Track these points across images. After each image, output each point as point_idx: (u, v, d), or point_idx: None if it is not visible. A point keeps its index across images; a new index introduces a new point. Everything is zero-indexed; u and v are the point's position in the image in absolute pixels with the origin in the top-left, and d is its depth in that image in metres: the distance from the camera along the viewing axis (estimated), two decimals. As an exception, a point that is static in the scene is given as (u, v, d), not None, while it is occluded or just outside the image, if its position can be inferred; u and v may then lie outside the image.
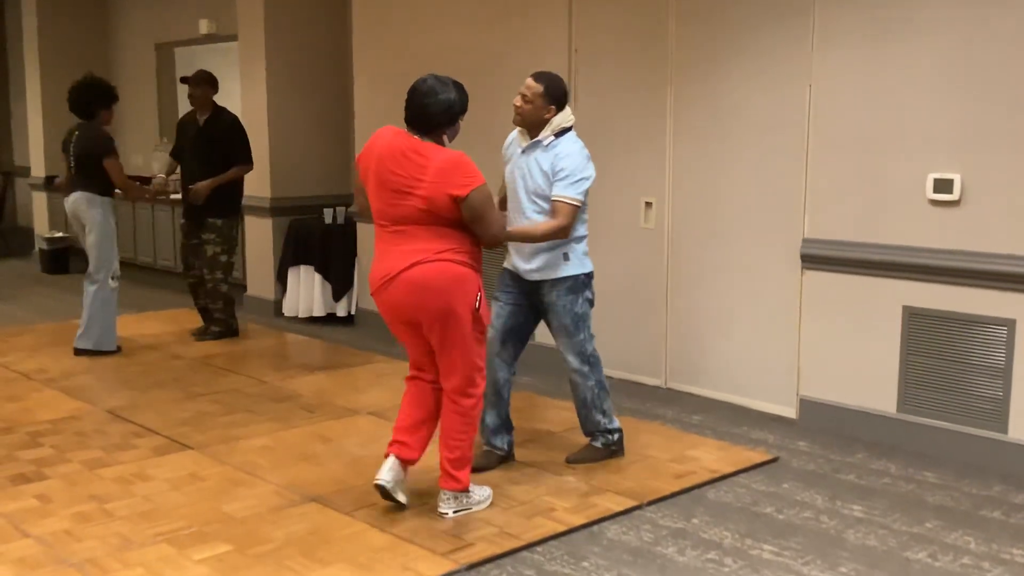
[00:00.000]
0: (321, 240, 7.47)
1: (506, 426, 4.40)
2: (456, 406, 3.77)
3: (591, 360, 4.33)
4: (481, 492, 3.93)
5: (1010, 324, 4.30)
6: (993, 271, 4.31)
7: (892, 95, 4.57)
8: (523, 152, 4.19)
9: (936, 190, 4.44)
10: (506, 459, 4.40)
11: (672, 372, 5.66)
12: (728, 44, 5.20)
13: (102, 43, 10.70)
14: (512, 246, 4.25)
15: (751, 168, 5.18)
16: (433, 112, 3.63)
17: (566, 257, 4.19)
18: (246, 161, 6.90)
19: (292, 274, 7.67)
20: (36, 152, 10.75)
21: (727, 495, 4.11)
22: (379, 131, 3.76)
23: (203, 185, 6.71)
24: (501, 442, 4.39)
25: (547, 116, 4.14)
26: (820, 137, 4.85)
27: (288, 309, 7.71)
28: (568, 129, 4.19)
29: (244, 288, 8.01)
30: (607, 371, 5.91)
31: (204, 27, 9.16)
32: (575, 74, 5.88)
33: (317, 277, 7.51)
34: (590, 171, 4.15)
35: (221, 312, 7.00)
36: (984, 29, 4.28)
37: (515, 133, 4.29)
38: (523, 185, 4.17)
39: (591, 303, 4.31)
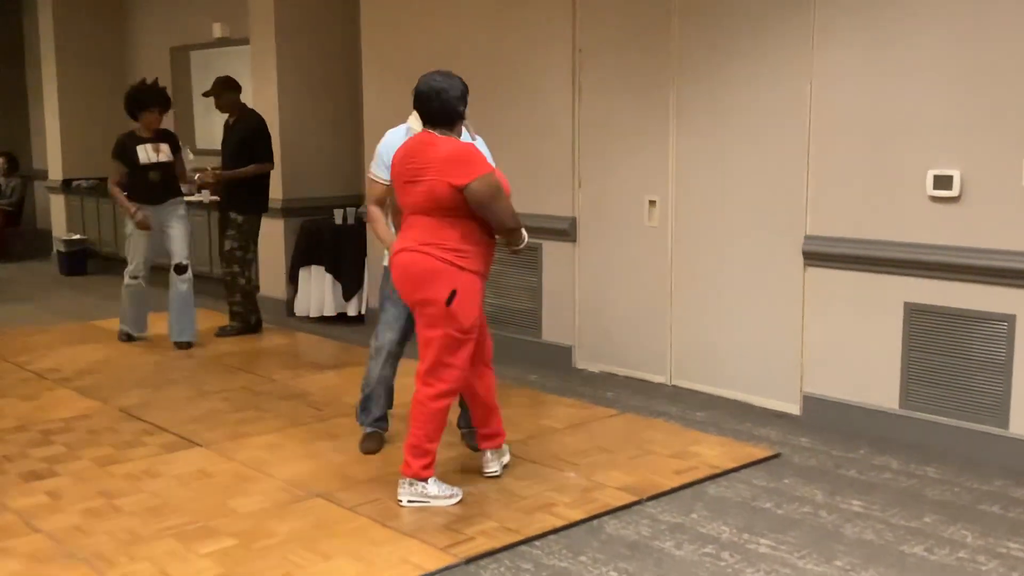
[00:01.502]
0: (332, 240, 7.54)
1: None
2: (417, 393, 3.91)
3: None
4: (445, 490, 3.94)
5: (1010, 319, 4.32)
6: (993, 267, 4.32)
7: (892, 92, 4.59)
8: None
9: (936, 186, 4.46)
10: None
11: (677, 369, 5.70)
12: (730, 41, 5.23)
13: (118, 47, 10.83)
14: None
15: (753, 166, 5.20)
16: (453, 105, 3.85)
17: None
18: (263, 159, 7.05)
19: (303, 274, 7.75)
20: (54, 155, 10.89)
21: (727, 490, 4.14)
22: (408, 140, 4.00)
23: (217, 173, 6.99)
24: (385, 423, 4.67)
25: None
26: (821, 134, 4.87)
27: (299, 309, 7.79)
28: None
29: (256, 288, 8.09)
30: (614, 368, 5.99)
31: (217, 31, 9.26)
32: (579, 73, 5.92)
33: (328, 277, 7.59)
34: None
35: (239, 306, 7.18)
36: (983, 26, 4.30)
37: (403, 135, 4.30)
38: None
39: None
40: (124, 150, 6.65)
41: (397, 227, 4.11)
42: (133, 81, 10.38)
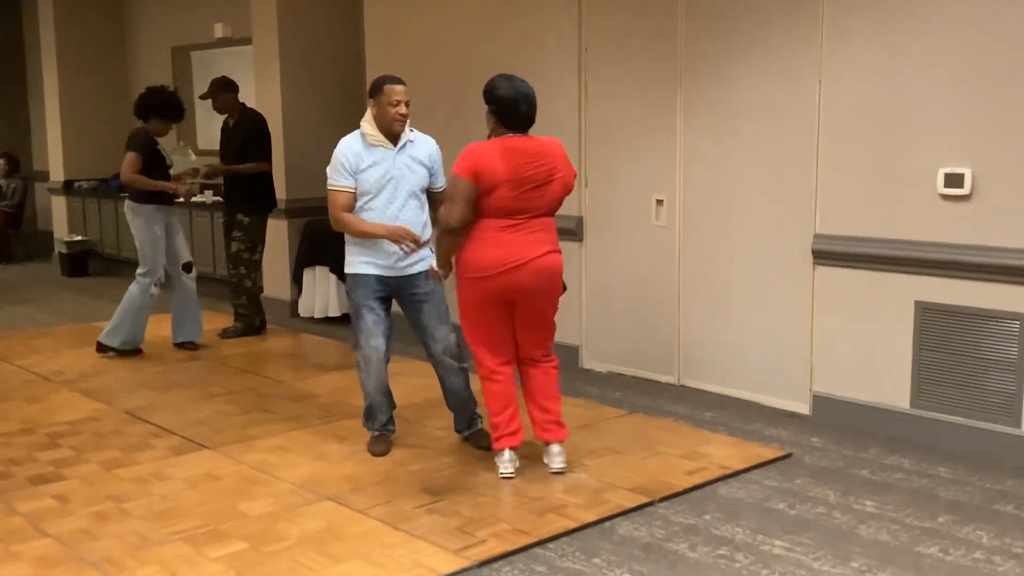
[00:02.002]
0: (336, 240, 7.46)
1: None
2: (552, 362, 4.30)
3: None
4: None
5: (1022, 318, 4.29)
6: (1005, 265, 4.30)
7: (902, 89, 4.57)
8: (397, 154, 4.38)
9: (947, 184, 4.44)
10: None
11: (685, 369, 5.67)
12: (738, 40, 5.21)
13: (119, 48, 10.80)
14: (375, 247, 4.37)
15: (762, 164, 5.18)
16: (536, 109, 4.17)
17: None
18: (260, 158, 6.99)
19: (308, 275, 7.72)
20: (55, 156, 10.86)
21: (739, 491, 4.12)
22: (481, 148, 4.06)
23: (215, 167, 6.98)
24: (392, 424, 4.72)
25: None
26: (830, 132, 4.85)
27: (304, 310, 7.77)
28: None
29: (260, 290, 8.06)
30: (621, 368, 5.97)
31: (219, 31, 9.24)
32: (585, 72, 5.90)
33: (332, 278, 7.56)
34: None
35: (244, 308, 7.17)
36: (993, 23, 4.27)
37: (360, 142, 4.40)
38: (401, 184, 4.36)
39: None
40: (150, 146, 6.55)
41: (433, 223, 4.33)
42: (136, 82, 10.41)
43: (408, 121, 4.42)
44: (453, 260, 4.19)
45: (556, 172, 4.09)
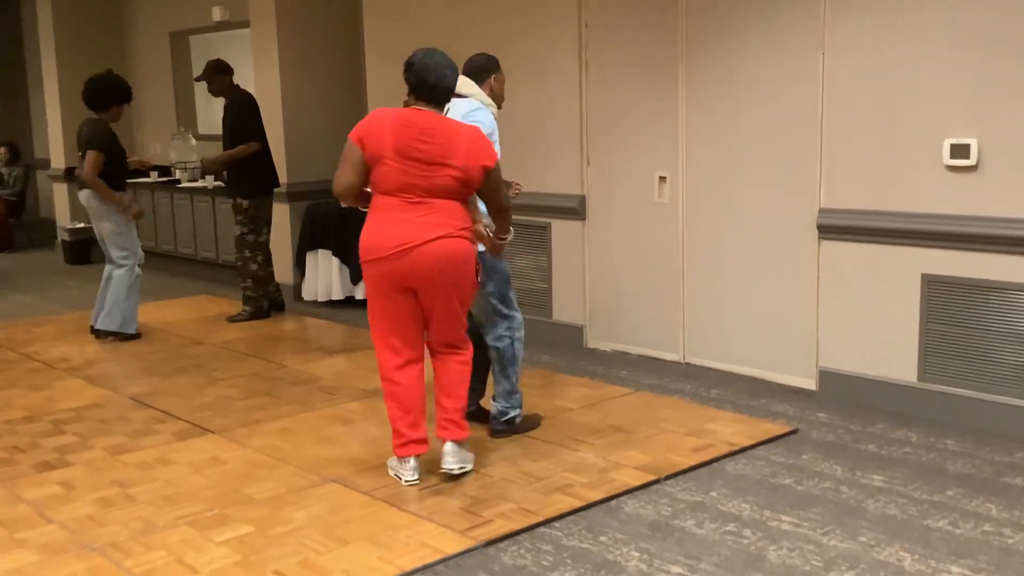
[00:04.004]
0: (338, 224, 7.48)
1: None
2: (461, 356, 4.00)
3: None
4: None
5: (1030, 289, 4.26)
6: (1012, 236, 4.26)
7: (906, 61, 4.52)
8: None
9: (953, 156, 4.39)
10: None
11: (690, 346, 5.65)
12: (739, 14, 5.15)
13: (117, 33, 10.75)
14: None
15: (765, 139, 5.13)
16: (450, 83, 3.83)
17: None
18: (248, 139, 6.93)
19: (310, 258, 7.70)
20: (55, 144, 10.83)
21: (746, 467, 4.10)
22: (379, 113, 3.83)
23: (212, 159, 6.97)
24: None
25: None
26: (834, 106, 4.80)
27: (307, 293, 7.76)
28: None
29: (268, 274, 8.05)
30: (626, 347, 5.95)
31: (217, 14, 9.18)
32: (586, 49, 5.85)
33: (335, 261, 7.53)
34: None
35: (252, 291, 7.17)
36: (999, -9, 4.22)
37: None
38: None
39: None
40: (113, 141, 6.53)
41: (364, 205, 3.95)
42: (134, 67, 10.37)
43: None
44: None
45: (449, 159, 3.71)
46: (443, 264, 3.75)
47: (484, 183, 3.81)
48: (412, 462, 3.94)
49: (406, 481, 3.92)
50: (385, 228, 3.77)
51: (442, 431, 3.96)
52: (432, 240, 3.73)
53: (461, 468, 3.95)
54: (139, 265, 6.65)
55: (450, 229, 3.75)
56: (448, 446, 3.94)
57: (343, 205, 3.93)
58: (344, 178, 3.81)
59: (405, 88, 3.91)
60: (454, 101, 4.17)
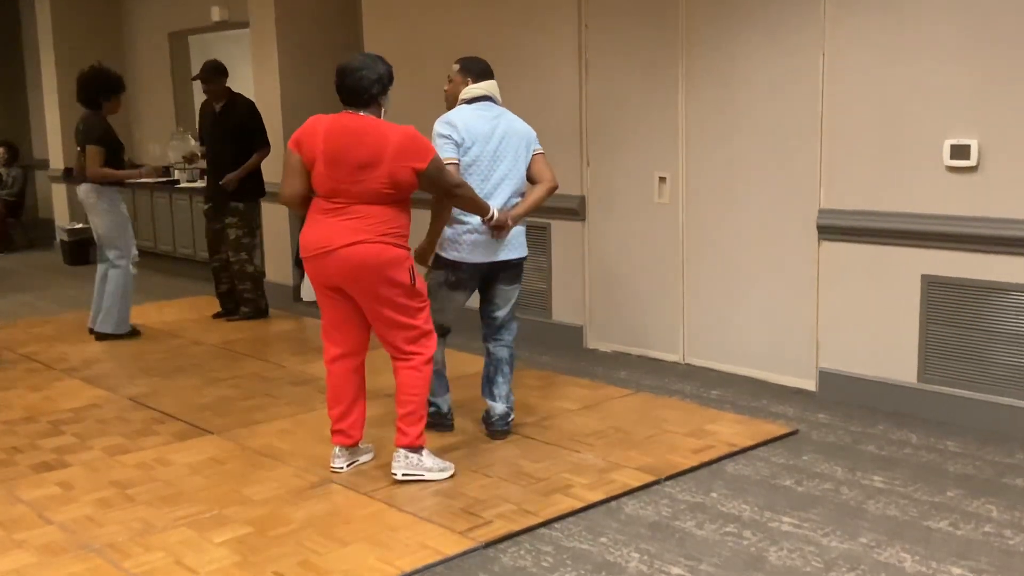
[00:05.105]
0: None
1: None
2: (409, 362, 3.92)
3: None
4: (437, 463, 3.98)
5: (1031, 290, 4.26)
6: (1012, 237, 4.25)
7: (907, 61, 4.51)
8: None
9: (953, 156, 4.39)
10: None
11: (690, 347, 5.64)
12: (739, 14, 5.15)
13: (116, 34, 10.74)
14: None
15: (765, 140, 5.13)
16: (366, 84, 3.79)
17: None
18: (263, 144, 7.03)
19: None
20: (54, 144, 10.82)
21: (746, 468, 4.09)
22: (313, 118, 3.89)
23: (233, 177, 6.86)
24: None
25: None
26: (834, 106, 4.79)
27: (306, 294, 7.75)
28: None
29: (263, 274, 8.04)
30: (626, 348, 5.94)
31: (216, 14, 9.17)
32: (586, 49, 5.84)
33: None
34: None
35: (250, 292, 7.16)
36: (999, -9, 4.22)
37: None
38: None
39: None
40: (110, 134, 6.53)
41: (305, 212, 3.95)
42: (133, 67, 10.36)
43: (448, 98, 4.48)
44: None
45: (381, 160, 3.69)
46: (357, 270, 3.75)
47: (421, 183, 3.80)
48: (337, 450, 4.06)
49: (331, 468, 4.05)
50: (312, 229, 3.84)
51: (396, 435, 3.96)
52: (346, 245, 3.73)
53: (405, 475, 3.90)
54: (133, 264, 6.66)
55: (367, 235, 3.73)
56: (398, 451, 3.94)
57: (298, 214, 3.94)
58: (287, 187, 3.87)
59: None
60: (502, 111, 4.34)
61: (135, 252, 6.68)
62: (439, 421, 4.47)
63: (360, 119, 3.79)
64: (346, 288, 3.83)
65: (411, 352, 3.92)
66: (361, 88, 3.79)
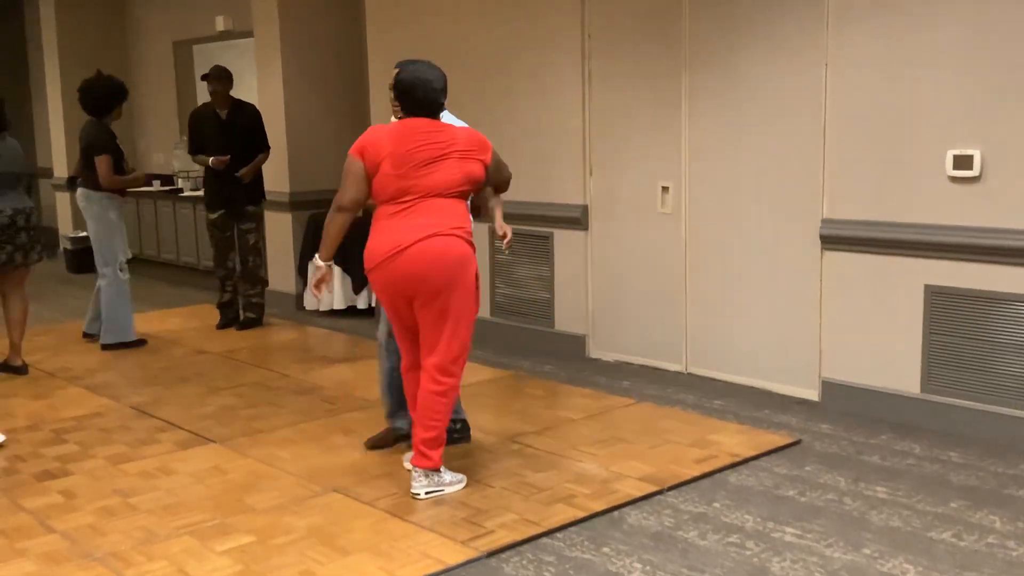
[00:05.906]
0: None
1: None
2: (437, 385, 3.83)
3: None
4: (455, 476, 3.98)
5: (1034, 301, 4.25)
6: (1015, 247, 4.25)
7: (909, 71, 4.52)
8: None
9: (956, 166, 4.39)
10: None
11: (693, 357, 5.64)
12: (743, 25, 5.16)
13: (120, 42, 10.77)
14: None
15: (768, 150, 5.13)
16: (435, 95, 3.87)
17: None
18: (267, 147, 7.18)
19: (312, 267, 7.69)
20: (58, 153, 10.85)
21: (749, 479, 4.08)
22: (375, 127, 3.93)
23: (248, 170, 6.97)
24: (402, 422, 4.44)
25: None
26: (837, 117, 4.80)
27: (309, 303, 7.75)
28: None
29: (266, 282, 8.06)
30: (629, 357, 5.93)
31: (220, 24, 9.20)
32: (589, 60, 5.85)
33: (337, 270, 7.53)
34: None
35: (259, 297, 7.25)
36: (1001, 2, 4.22)
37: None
38: None
39: None
40: (114, 142, 6.56)
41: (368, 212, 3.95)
42: (138, 77, 10.38)
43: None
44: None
45: (453, 148, 3.77)
46: (429, 265, 3.71)
47: (487, 175, 3.93)
48: (414, 472, 3.94)
49: (411, 492, 3.93)
50: (380, 235, 3.82)
51: (416, 456, 3.92)
52: (420, 240, 3.72)
53: (428, 493, 3.87)
54: (121, 270, 6.60)
55: (440, 228, 3.74)
56: (414, 471, 3.90)
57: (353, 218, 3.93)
58: (348, 194, 3.86)
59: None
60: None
61: (122, 258, 6.62)
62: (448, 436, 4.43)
63: (426, 120, 3.85)
64: (411, 290, 3.76)
65: (450, 374, 3.84)
66: (433, 100, 3.86)
